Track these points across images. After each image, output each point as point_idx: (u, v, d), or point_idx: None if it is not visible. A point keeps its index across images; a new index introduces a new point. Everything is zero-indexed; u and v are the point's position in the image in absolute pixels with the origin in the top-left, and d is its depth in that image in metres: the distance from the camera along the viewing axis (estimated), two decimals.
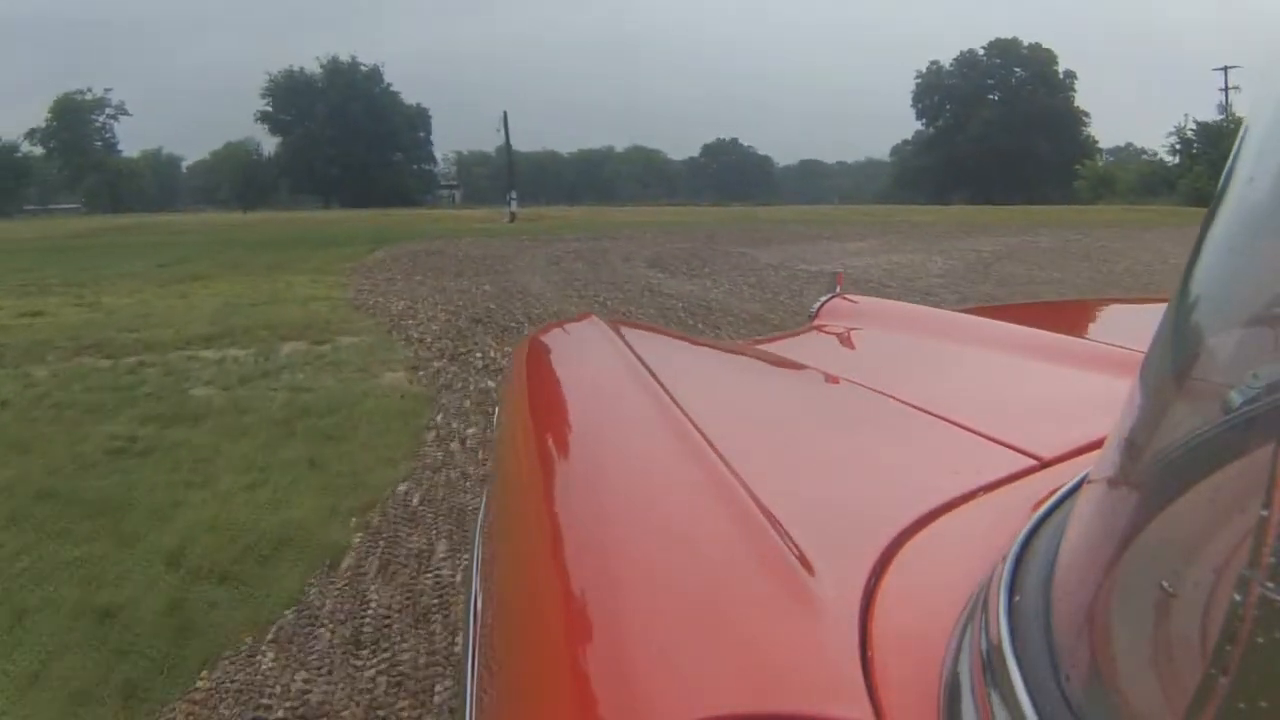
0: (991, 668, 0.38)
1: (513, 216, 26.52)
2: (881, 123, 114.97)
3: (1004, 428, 0.75)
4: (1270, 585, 0.26)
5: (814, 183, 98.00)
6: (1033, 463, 0.67)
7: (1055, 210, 33.37)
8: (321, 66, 65.32)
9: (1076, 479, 0.51)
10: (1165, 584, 0.33)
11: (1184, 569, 0.33)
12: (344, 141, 62.14)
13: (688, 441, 0.72)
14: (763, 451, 0.76)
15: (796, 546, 0.52)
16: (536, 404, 1.06)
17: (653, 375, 0.94)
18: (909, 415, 0.85)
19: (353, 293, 9.96)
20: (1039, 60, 64.15)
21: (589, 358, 1.19)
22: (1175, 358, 0.38)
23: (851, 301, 1.62)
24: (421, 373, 5.65)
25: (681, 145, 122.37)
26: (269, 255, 15.40)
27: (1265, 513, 0.27)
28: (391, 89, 67.03)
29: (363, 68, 66.14)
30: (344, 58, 65.74)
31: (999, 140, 61.53)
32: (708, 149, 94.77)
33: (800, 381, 1.18)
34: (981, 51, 66.11)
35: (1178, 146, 43.95)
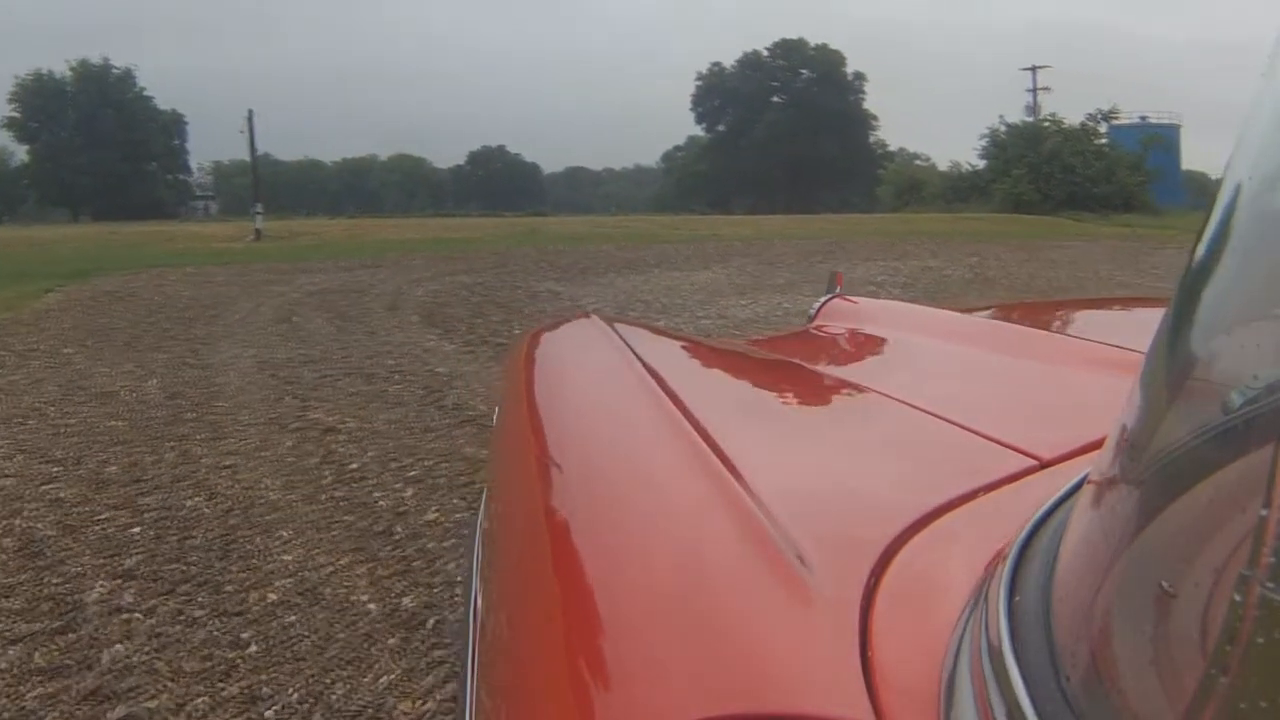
0: (991, 668, 0.38)
1: (258, 234, 22.63)
2: (649, 129, 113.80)
3: (1004, 428, 0.74)
4: (1270, 585, 0.26)
5: (583, 190, 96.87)
6: (1033, 463, 0.67)
7: (879, 219, 28.69)
8: (71, 70, 59.67)
9: (1076, 479, 0.51)
10: (1165, 584, 0.33)
11: (1184, 569, 0.33)
12: (94, 150, 56.84)
13: (687, 441, 0.71)
14: (762, 451, 0.76)
15: (796, 546, 0.52)
16: (535, 402, 1.05)
17: (651, 374, 0.94)
18: (909, 415, 0.85)
19: None
20: (826, 61, 60.50)
21: (588, 356, 1.20)
22: (1175, 358, 0.38)
23: (851, 302, 1.66)
24: None
25: (447, 153, 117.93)
26: None
27: (1265, 513, 0.27)
28: (145, 94, 61.44)
29: (115, 71, 60.00)
30: (95, 60, 58.94)
31: (785, 144, 57.64)
32: (474, 156, 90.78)
33: (799, 381, 1.18)
34: (766, 52, 62.11)
35: (990, 150, 38.56)
